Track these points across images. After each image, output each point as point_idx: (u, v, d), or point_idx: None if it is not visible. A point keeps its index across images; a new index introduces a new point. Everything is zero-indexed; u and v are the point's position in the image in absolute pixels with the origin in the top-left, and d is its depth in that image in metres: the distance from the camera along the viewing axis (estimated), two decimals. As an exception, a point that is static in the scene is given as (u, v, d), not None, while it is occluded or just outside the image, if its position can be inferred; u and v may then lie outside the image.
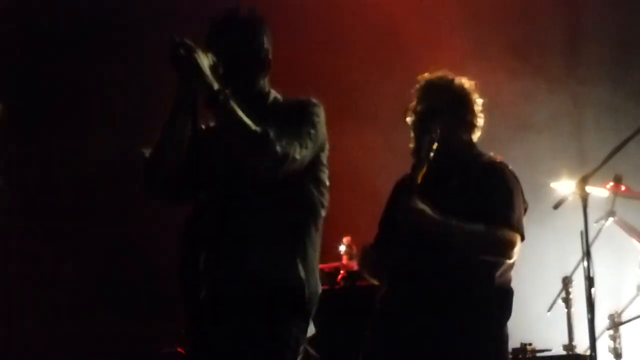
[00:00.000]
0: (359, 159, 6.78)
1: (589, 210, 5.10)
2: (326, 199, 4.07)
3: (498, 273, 4.64)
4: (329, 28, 7.47)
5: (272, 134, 3.74)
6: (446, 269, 4.54)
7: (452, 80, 4.79)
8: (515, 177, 4.76)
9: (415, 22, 7.49)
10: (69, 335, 7.10)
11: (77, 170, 7.21)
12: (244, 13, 4.00)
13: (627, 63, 7.54)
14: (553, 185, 6.38)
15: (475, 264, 4.54)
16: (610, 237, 6.54)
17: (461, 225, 4.47)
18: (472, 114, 4.81)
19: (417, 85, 4.81)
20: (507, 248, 4.57)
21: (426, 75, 4.82)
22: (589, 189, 5.12)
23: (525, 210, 4.76)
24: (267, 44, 4.02)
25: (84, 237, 7.13)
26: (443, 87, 4.77)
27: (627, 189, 6.31)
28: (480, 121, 4.84)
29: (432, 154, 4.55)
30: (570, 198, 5.50)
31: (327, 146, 4.06)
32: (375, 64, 7.42)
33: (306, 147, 3.85)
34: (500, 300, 4.71)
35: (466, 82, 4.81)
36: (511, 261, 4.64)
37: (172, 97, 3.87)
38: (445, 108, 4.73)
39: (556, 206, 5.55)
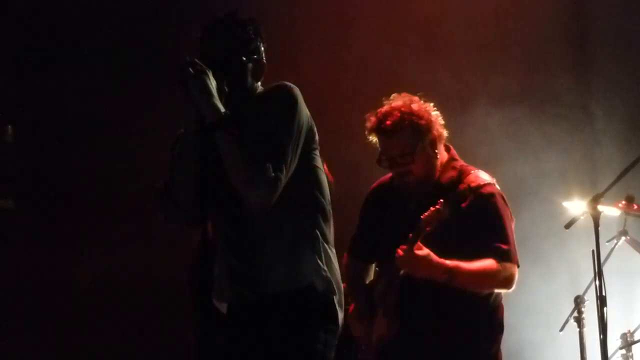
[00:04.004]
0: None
1: (601, 230, 5.10)
2: (325, 184, 4.00)
3: (492, 298, 4.72)
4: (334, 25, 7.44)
5: (267, 165, 3.72)
6: (442, 298, 4.60)
7: (404, 120, 4.72)
8: (503, 198, 4.74)
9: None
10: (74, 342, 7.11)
11: (88, 177, 7.21)
12: (237, 16, 3.97)
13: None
14: (565, 204, 6.36)
15: (472, 293, 4.63)
16: (622, 257, 6.52)
17: (466, 271, 4.53)
18: (433, 134, 4.76)
19: (373, 126, 4.76)
20: (509, 282, 4.66)
21: (377, 122, 4.75)
22: (600, 208, 5.12)
23: (512, 220, 4.77)
24: (258, 46, 3.97)
25: (93, 244, 7.14)
26: (400, 125, 4.71)
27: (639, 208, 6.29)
28: (440, 129, 4.79)
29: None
30: (582, 217, 5.48)
31: (313, 127, 3.97)
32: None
33: (290, 160, 3.80)
34: (495, 319, 4.77)
35: (414, 112, 4.74)
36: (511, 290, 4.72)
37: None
38: (413, 148, 4.71)
39: (568, 225, 5.54)
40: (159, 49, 6.86)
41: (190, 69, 3.69)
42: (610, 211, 5.98)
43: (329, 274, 3.89)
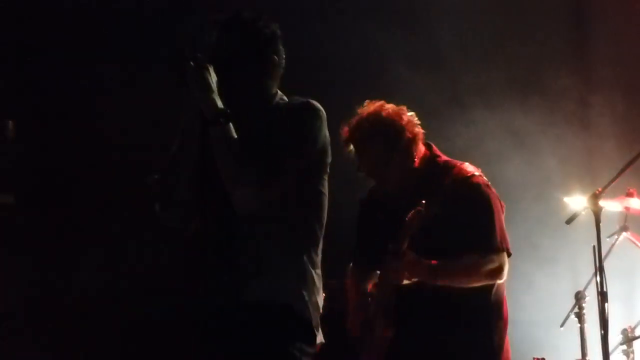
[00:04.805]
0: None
1: (602, 225, 5.09)
2: (324, 210, 3.97)
3: (494, 289, 4.69)
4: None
5: (259, 167, 3.70)
6: (445, 295, 4.59)
7: (373, 130, 4.72)
8: (488, 186, 4.72)
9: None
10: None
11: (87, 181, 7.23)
12: (247, 14, 3.94)
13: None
14: (566, 200, 6.36)
15: (471, 287, 4.62)
16: (623, 252, 6.52)
17: (449, 268, 4.55)
18: (406, 138, 4.74)
19: (346, 138, 4.77)
20: (496, 273, 4.63)
21: (351, 133, 4.76)
22: (601, 203, 5.11)
23: (503, 211, 4.75)
24: (269, 44, 3.93)
25: (92, 250, 7.15)
26: (371, 137, 4.72)
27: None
28: (415, 129, 4.76)
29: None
30: (583, 213, 5.47)
31: (328, 151, 3.94)
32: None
33: (289, 171, 3.78)
34: (497, 313, 4.75)
35: (385, 120, 4.73)
36: (502, 280, 4.69)
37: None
38: (387, 157, 4.72)
39: (569, 221, 5.53)
40: (160, 48, 6.82)
41: (191, 63, 3.68)
42: (612, 206, 5.99)
43: (307, 297, 3.85)
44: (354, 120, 4.76)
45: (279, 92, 3.98)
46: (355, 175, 4.98)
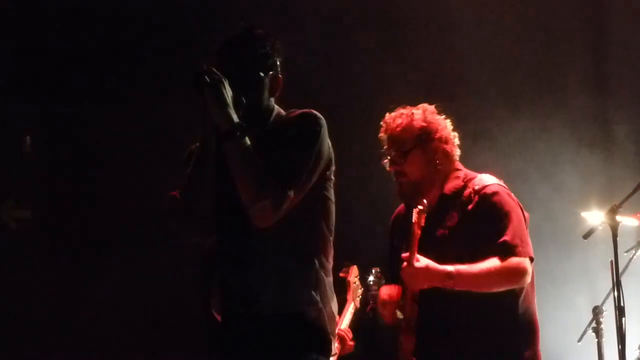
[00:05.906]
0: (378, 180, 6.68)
1: (619, 240, 5.08)
2: (332, 216, 4.00)
3: (521, 298, 4.65)
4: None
5: (276, 180, 3.72)
6: (469, 306, 4.57)
7: (405, 121, 4.76)
8: (509, 195, 4.71)
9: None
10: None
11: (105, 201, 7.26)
12: (256, 31, 3.98)
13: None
14: (583, 215, 6.34)
15: (496, 295, 4.57)
16: (640, 267, 6.50)
17: (468, 272, 4.51)
18: (436, 147, 4.77)
19: (382, 132, 4.82)
20: (518, 277, 4.58)
21: (387, 122, 4.81)
22: (619, 218, 5.10)
23: (527, 221, 4.73)
24: (275, 62, 3.98)
25: (109, 267, 7.16)
26: (401, 129, 4.75)
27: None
28: (448, 144, 4.79)
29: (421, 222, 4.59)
30: (600, 228, 5.46)
31: (332, 160, 3.98)
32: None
33: (303, 183, 3.81)
34: (527, 323, 4.72)
35: (421, 119, 4.77)
36: (527, 284, 4.65)
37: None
38: (407, 151, 4.74)
39: (586, 236, 5.52)
40: (176, 65, 6.85)
41: (207, 78, 3.70)
42: (629, 221, 5.97)
43: (321, 304, 3.87)
44: (396, 112, 4.82)
45: (276, 107, 4.02)
46: (365, 182, 4.99)
